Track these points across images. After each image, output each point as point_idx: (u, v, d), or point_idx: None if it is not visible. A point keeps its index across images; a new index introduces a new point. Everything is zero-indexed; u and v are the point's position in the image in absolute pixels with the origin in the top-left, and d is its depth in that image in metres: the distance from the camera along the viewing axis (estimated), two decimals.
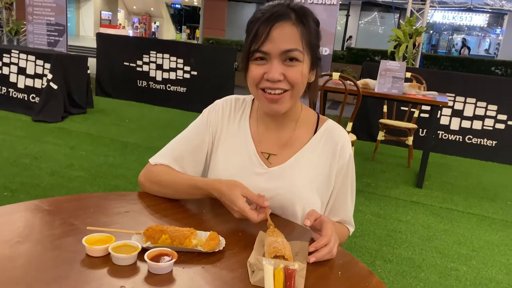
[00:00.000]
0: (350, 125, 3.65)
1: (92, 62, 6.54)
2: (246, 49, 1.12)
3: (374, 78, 4.36)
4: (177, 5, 33.07)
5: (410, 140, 4.84)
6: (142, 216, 1.08)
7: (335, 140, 1.21)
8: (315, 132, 1.22)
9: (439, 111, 5.58)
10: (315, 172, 1.19)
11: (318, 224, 1.00)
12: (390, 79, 4.13)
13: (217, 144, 1.26)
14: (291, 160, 1.19)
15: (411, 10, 7.42)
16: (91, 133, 5.03)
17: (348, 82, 3.61)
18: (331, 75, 3.63)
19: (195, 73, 7.08)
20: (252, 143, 1.22)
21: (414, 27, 6.20)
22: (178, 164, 1.22)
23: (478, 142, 5.72)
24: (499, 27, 24.34)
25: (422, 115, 5.39)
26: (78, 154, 4.21)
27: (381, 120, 5.08)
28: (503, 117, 5.59)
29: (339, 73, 3.62)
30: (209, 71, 7.00)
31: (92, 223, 0.96)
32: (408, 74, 4.95)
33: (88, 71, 6.15)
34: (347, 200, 1.24)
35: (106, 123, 5.63)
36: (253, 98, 1.30)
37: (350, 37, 21.57)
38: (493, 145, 5.67)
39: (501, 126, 5.61)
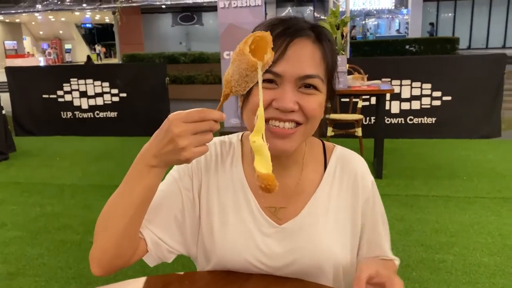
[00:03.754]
0: (330, 129, 3.49)
1: (5, 100, 5.87)
2: None
3: None
4: (87, 25, 31.58)
5: (359, 131, 4.81)
6: None
7: (351, 170, 0.99)
8: (325, 168, 0.99)
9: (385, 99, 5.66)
10: (337, 218, 0.96)
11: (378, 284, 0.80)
12: None
13: (205, 205, 0.98)
14: (305, 211, 0.95)
15: (333, 1, 7.51)
16: (20, 181, 4.45)
17: None
18: None
19: (124, 94, 6.62)
20: (253, 196, 0.96)
21: (339, 18, 6.22)
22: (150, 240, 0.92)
23: (419, 121, 5.86)
24: (404, 8, 25.86)
25: (364, 103, 5.41)
26: (8, 210, 3.67)
27: (328, 116, 5.02)
28: (438, 93, 5.77)
29: None
30: (139, 90, 6.57)
31: None
32: (346, 66, 4.92)
33: (3, 111, 5.48)
34: (380, 234, 1.02)
35: (34, 166, 5.04)
36: (241, 137, 1.04)
37: None
38: (433, 122, 5.83)
39: (437, 102, 5.79)
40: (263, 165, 0.69)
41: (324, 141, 1.05)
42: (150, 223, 0.91)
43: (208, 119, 0.72)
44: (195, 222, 0.97)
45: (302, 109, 0.84)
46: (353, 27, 20.27)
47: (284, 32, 0.83)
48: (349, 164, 1.00)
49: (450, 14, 22.60)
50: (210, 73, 12.26)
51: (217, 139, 1.04)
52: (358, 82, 4.16)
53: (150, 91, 6.53)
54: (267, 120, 0.83)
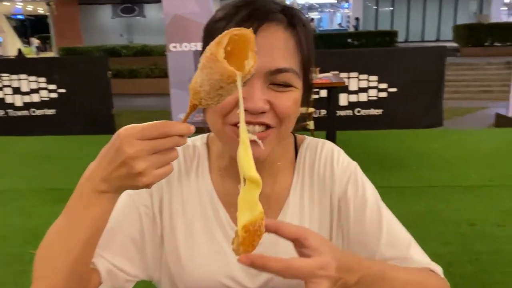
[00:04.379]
0: None
1: None
2: None
3: None
4: (18, 16, 29.55)
5: (311, 124, 4.80)
6: None
7: (319, 161, 0.85)
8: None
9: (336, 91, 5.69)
10: (312, 219, 0.83)
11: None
12: None
13: (168, 223, 0.83)
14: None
15: None
16: None
17: None
18: None
19: (63, 90, 6.20)
20: (223, 209, 0.83)
21: None
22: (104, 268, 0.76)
23: (367, 113, 5.97)
24: (345, 2, 26.54)
25: (314, 96, 5.41)
26: None
27: (307, 110, 4.97)
28: (384, 85, 5.89)
29: None
30: (79, 85, 6.18)
31: None
32: None
33: None
34: (381, 226, 0.80)
35: None
36: (207, 139, 0.90)
37: None
38: (380, 113, 5.96)
39: (384, 94, 5.91)
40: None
41: (296, 135, 0.91)
42: (103, 250, 0.75)
43: (171, 134, 0.57)
44: (156, 242, 0.83)
45: (274, 109, 0.70)
46: None
47: (251, 15, 0.69)
48: (316, 155, 0.86)
49: (389, 8, 23.44)
50: (155, 66, 11.87)
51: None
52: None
53: (91, 86, 6.16)
54: (234, 124, 0.71)
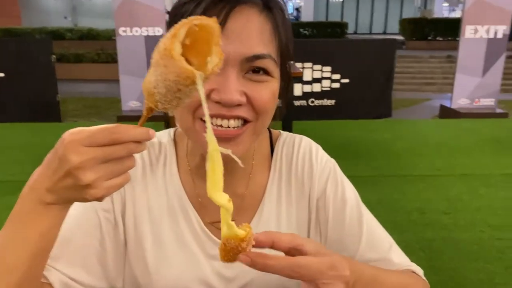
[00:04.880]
0: None
1: None
2: None
3: None
4: None
5: None
6: None
7: (297, 158, 0.81)
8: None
9: (293, 81, 5.71)
10: (290, 221, 0.79)
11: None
12: None
13: (132, 228, 0.76)
14: (254, 222, 0.78)
15: None
16: None
17: None
18: None
19: (2, 74, 5.77)
20: (194, 211, 0.77)
21: None
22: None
23: (321, 103, 6.04)
24: None
25: None
26: None
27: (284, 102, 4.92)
28: (337, 76, 5.98)
29: None
30: (20, 70, 5.77)
31: None
32: None
33: None
34: (362, 227, 0.78)
35: None
36: (173, 135, 0.83)
37: None
38: (333, 103, 6.06)
39: (336, 85, 6.01)
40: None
41: (271, 130, 0.86)
42: (57, 261, 0.68)
43: (124, 141, 0.49)
44: (119, 249, 0.76)
45: (250, 101, 0.65)
46: None
47: None
48: (294, 151, 0.82)
49: (339, 0, 23.86)
50: (101, 51, 11.38)
51: None
52: None
53: (34, 70, 5.76)
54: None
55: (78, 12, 21.20)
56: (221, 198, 0.49)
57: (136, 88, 5.93)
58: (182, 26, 0.44)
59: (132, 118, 5.81)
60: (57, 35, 12.41)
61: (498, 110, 6.37)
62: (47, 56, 5.72)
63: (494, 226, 2.90)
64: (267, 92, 0.66)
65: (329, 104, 6.04)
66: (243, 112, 0.65)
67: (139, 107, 6.05)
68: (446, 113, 6.50)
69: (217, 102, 0.63)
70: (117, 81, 6.02)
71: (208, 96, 0.63)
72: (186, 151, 0.80)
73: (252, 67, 0.65)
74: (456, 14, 23.88)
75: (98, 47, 11.66)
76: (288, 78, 0.74)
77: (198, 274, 0.75)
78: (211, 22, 0.45)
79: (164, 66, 0.43)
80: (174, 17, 0.68)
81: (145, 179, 0.78)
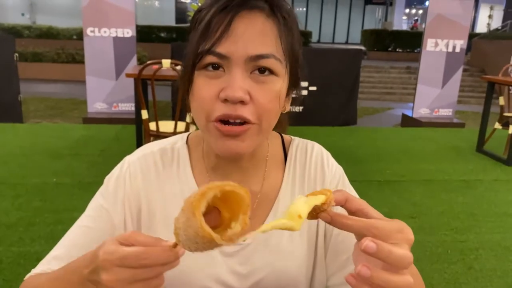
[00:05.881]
0: (190, 115, 3.33)
1: None
2: (190, 51, 0.69)
3: None
4: None
5: None
6: None
7: (310, 163, 0.86)
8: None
9: None
10: (304, 221, 0.83)
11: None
12: None
13: (148, 225, 0.79)
14: (268, 221, 0.81)
15: None
16: None
17: (179, 68, 3.26)
18: (161, 63, 3.19)
19: None
20: None
21: None
22: None
23: (289, 110, 6.13)
24: None
25: None
26: None
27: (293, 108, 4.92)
28: (305, 84, 6.10)
29: (169, 60, 3.22)
30: None
31: None
32: None
33: None
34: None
35: None
36: (186, 139, 0.86)
37: None
38: (301, 110, 6.17)
39: (304, 92, 6.12)
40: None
41: (282, 134, 0.91)
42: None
43: (153, 265, 0.52)
44: None
45: (253, 101, 0.67)
46: None
47: (228, 4, 0.66)
48: (307, 157, 0.87)
49: (303, 9, 24.31)
50: (62, 50, 11.03)
51: (155, 147, 0.83)
52: None
53: None
54: (216, 120, 0.68)
55: (36, 9, 20.43)
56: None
57: (103, 89, 5.81)
58: (213, 189, 0.46)
59: (98, 120, 5.68)
60: (14, 32, 11.94)
61: (456, 120, 6.72)
62: (9, 54, 5.50)
63: (456, 229, 3.06)
64: (270, 93, 0.68)
65: (297, 111, 6.15)
66: (245, 112, 0.67)
67: (105, 109, 5.92)
68: (408, 121, 6.78)
69: (224, 101, 0.66)
70: (78, 81, 5.88)
71: (217, 97, 0.67)
72: (202, 153, 0.82)
73: (257, 67, 0.67)
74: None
75: (58, 46, 11.31)
76: (296, 82, 0.77)
77: (213, 272, 0.78)
78: (243, 192, 0.47)
79: (187, 218, 0.46)
80: (192, 23, 0.72)
81: (159, 180, 0.80)
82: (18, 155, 4.17)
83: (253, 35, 0.66)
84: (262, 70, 0.67)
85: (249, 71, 0.67)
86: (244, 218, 0.47)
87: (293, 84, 0.76)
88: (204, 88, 0.68)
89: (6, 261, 2.40)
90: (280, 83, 0.69)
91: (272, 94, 0.68)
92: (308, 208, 0.53)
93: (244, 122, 0.67)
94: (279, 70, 0.69)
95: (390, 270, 0.53)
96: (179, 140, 0.85)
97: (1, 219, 2.87)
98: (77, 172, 3.76)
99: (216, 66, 0.67)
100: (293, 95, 0.83)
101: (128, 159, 0.82)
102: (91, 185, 3.39)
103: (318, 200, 0.54)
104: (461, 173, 4.28)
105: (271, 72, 0.68)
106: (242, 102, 0.66)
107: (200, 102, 0.68)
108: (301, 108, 6.12)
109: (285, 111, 0.80)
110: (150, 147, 0.83)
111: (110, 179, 0.80)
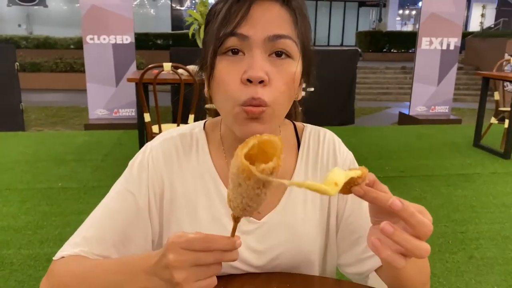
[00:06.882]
0: (192, 117, 3.39)
1: None
2: (211, 39, 0.74)
3: (185, 63, 4.08)
4: None
5: None
6: None
7: (323, 149, 0.91)
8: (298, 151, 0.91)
9: None
10: (316, 205, 0.88)
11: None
12: None
13: (169, 207, 0.85)
14: (283, 201, 0.86)
15: None
16: None
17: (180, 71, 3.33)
18: (162, 66, 3.26)
19: None
20: (226, 191, 0.86)
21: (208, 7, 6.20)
22: (101, 250, 0.79)
23: None
24: None
25: None
26: None
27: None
28: (303, 85, 6.17)
29: (170, 63, 3.28)
30: None
31: None
32: None
33: None
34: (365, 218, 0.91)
35: None
36: (204, 126, 0.90)
37: None
38: (300, 111, 6.24)
39: (303, 93, 6.19)
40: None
41: (295, 122, 0.96)
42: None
43: (214, 249, 0.58)
44: (152, 229, 0.86)
45: (270, 84, 0.71)
46: None
47: None
48: (320, 143, 0.91)
49: None
50: (60, 60, 11.08)
51: (175, 132, 0.88)
52: None
53: None
54: (243, 104, 0.71)
55: (33, 20, 20.51)
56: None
57: (103, 96, 5.87)
58: (253, 139, 0.53)
59: (99, 126, 5.73)
60: (11, 43, 11.98)
61: (452, 117, 6.80)
62: (10, 64, 5.56)
63: (456, 221, 3.12)
64: (287, 74, 0.72)
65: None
66: (262, 94, 0.69)
67: (106, 115, 5.98)
68: (405, 119, 6.85)
69: (246, 82, 0.69)
70: (78, 90, 5.93)
71: (240, 79, 0.70)
72: (220, 137, 0.87)
73: (274, 48, 0.71)
74: (408, 27, 25.11)
75: (56, 55, 11.36)
76: (309, 65, 0.81)
77: None
78: (277, 139, 0.54)
79: (232, 166, 0.52)
80: (209, 15, 0.77)
81: (181, 163, 0.85)
82: (23, 162, 4.21)
83: (271, 18, 0.71)
84: (279, 53, 0.72)
85: (267, 53, 0.71)
86: (277, 159, 0.52)
87: (306, 70, 0.79)
88: (227, 73, 0.71)
89: (17, 263, 2.45)
90: (295, 66, 0.74)
91: (288, 77, 0.72)
92: (345, 178, 0.55)
93: (260, 104, 0.70)
94: (295, 53, 0.73)
95: (411, 234, 0.56)
96: (197, 126, 0.90)
97: (9, 223, 2.92)
98: (82, 177, 3.81)
99: (235, 51, 0.71)
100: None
101: (150, 144, 0.87)
102: (96, 188, 3.44)
103: (356, 173, 0.57)
104: (459, 167, 4.35)
105: (288, 55, 0.72)
106: (262, 83, 0.70)
107: (225, 87, 0.71)
108: (300, 109, 6.19)
109: (298, 99, 0.84)
110: (170, 133, 0.88)
111: (134, 164, 0.85)
